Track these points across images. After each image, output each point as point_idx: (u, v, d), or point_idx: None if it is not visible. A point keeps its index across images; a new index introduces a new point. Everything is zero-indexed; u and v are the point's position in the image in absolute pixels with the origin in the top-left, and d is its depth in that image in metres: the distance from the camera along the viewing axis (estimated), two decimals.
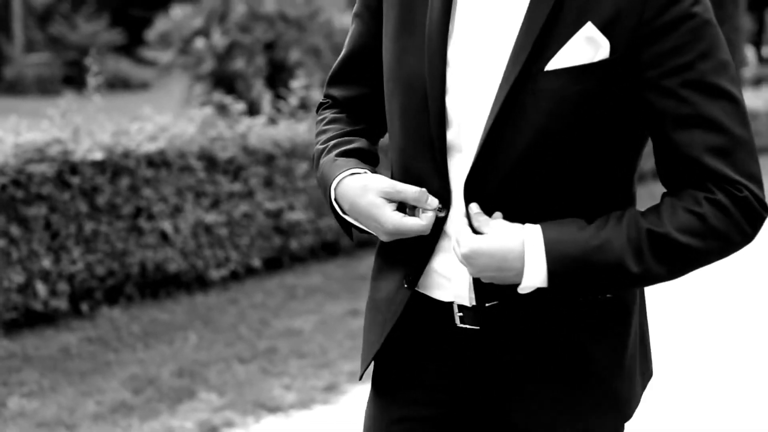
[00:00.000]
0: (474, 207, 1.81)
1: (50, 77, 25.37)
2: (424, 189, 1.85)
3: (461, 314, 1.92)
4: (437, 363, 1.98)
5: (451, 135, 1.84)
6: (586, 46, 1.72)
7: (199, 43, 14.86)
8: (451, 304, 1.93)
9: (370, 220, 1.87)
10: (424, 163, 1.88)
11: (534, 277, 1.75)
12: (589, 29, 1.71)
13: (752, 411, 5.07)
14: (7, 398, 5.05)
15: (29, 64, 25.43)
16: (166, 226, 6.82)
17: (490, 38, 1.80)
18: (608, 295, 1.88)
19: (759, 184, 1.75)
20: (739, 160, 1.73)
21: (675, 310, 6.96)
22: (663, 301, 6.86)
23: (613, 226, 1.75)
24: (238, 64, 14.50)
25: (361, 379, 2.10)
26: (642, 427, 4.58)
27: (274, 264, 7.92)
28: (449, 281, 1.92)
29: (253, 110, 11.90)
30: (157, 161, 6.77)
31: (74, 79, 26.16)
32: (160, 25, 17.67)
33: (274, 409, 5.03)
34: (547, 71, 1.73)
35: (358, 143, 2.03)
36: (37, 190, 6.03)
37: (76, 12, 27.55)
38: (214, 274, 7.27)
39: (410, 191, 1.84)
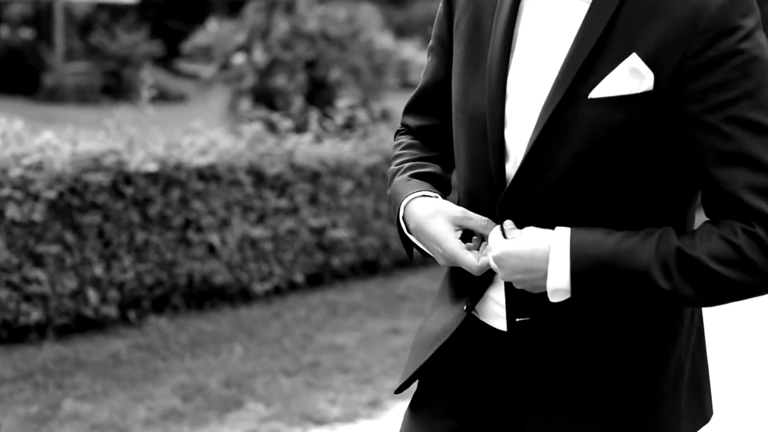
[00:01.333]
0: (508, 223, 1.84)
1: (89, 86, 25.58)
2: (490, 219, 1.90)
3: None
4: (475, 384, 2.01)
5: (509, 168, 1.87)
6: (630, 76, 1.73)
7: (239, 58, 15.03)
8: (503, 332, 1.96)
9: (433, 243, 1.92)
10: (486, 195, 1.91)
11: (558, 277, 1.77)
12: (633, 60, 1.72)
13: None
14: (61, 400, 5.19)
15: (69, 73, 25.66)
16: (214, 238, 6.96)
17: (545, 70, 1.82)
18: (638, 311, 1.86)
19: None
20: None
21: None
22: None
23: (644, 237, 1.75)
24: (279, 80, 14.67)
25: (397, 392, 2.12)
26: None
27: (316, 280, 8.04)
28: (503, 309, 1.95)
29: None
30: (207, 175, 6.91)
31: (112, 89, 26.45)
32: (199, 38, 17.88)
33: (320, 421, 5.14)
34: (590, 99, 1.75)
35: (432, 168, 2.09)
36: (93, 199, 6.18)
37: (116, 22, 27.82)
38: (258, 287, 7.40)
39: (478, 220, 1.90)
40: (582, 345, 1.87)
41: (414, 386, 2.15)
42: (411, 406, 2.13)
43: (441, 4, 2.06)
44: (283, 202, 7.51)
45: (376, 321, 7.11)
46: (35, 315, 5.98)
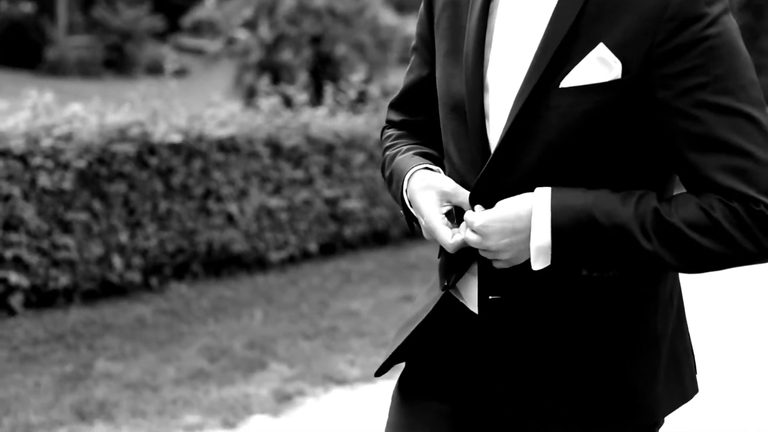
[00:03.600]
0: (478, 208, 1.85)
1: (91, 60, 25.78)
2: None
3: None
4: (458, 366, 2.03)
5: None
6: (599, 66, 1.74)
7: (241, 34, 15.21)
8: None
9: (419, 215, 1.95)
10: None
11: (541, 233, 1.77)
12: (600, 50, 1.74)
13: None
14: (93, 361, 5.43)
15: (71, 47, 25.83)
16: (233, 208, 7.19)
17: (520, 61, 1.84)
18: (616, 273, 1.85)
19: None
20: (756, 178, 1.71)
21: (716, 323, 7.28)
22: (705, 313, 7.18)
23: (623, 196, 1.77)
24: (286, 55, 14.86)
25: (377, 375, 2.11)
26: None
27: (329, 249, 8.27)
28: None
29: (289, 102, 12.29)
30: (227, 146, 7.14)
31: (114, 63, 26.62)
32: (198, 13, 18.03)
33: (341, 381, 5.38)
34: (561, 88, 1.76)
35: (431, 151, 2.13)
36: (119, 169, 6.40)
37: None
38: (274, 256, 7.63)
39: (464, 196, 1.89)
40: (553, 327, 1.88)
41: (401, 366, 2.15)
42: (399, 388, 2.12)
43: (422, 4, 2.09)
44: (299, 174, 7.74)
45: (389, 288, 7.34)
46: (63, 280, 6.21)
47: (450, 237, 1.87)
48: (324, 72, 15.00)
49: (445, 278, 2.01)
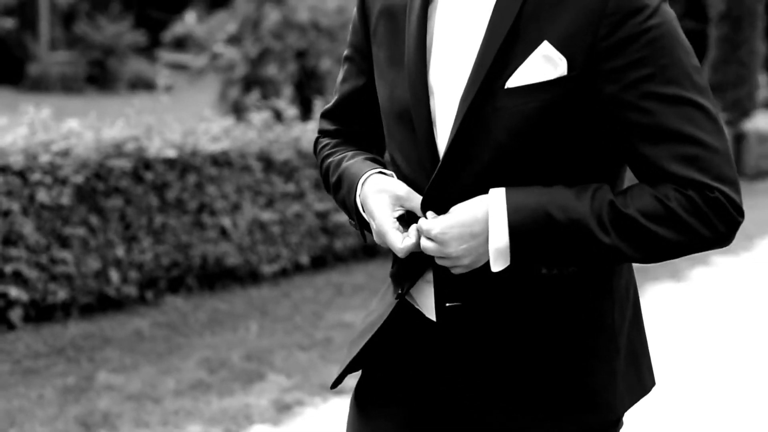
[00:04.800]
0: (430, 214, 1.84)
1: (74, 76, 25.85)
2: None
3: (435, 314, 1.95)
4: (417, 373, 2.02)
5: None
6: (544, 63, 1.74)
7: (219, 47, 15.28)
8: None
9: (371, 218, 1.91)
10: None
11: (498, 234, 1.76)
12: (545, 48, 1.74)
13: (752, 415, 5.51)
14: (94, 373, 5.51)
15: (53, 63, 25.89)
16: (226, 221, 7.28)
17: (462, 64, 1.83)
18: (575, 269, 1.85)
19: (733, 186, 1.75)
20: (708, 165, 1.72)
21: (678, 320, 7.41)
22: (665, 310, 7.31)
23: (578, 191, 1.77)
24: (270, 70, 14.95)
25: (333, 387, 2.10)
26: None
27: (320, 262, 8.38)
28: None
29: (280, 115, 12.41)
30: (221, 161, 7.23)
31: (97, 79, 26.68)
32: (177, 29, 18.11)
33: (338, 391, 5.47)
34: (507, 88, 1.76)
35: (377, 156, 2.10)
36: (115, 184, 6.49)
37: (100, 12, 28.01)
38: (267, 269, 7.73)
39: (417, 201, 1.87)
40: (512, 330, 1.88)
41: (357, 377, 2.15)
42: (356, 398, 2.12)
43: (355, 13, 2.07)
44: (290, 187, 7.84)
45: None
46: (61, 294, 6.29)
47: (400, 242, 1.84)
48: (309, 86, 15.09)
49: (398, 286, 1.99)
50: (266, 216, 7.63)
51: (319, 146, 2.20)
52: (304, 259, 8.09)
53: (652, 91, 1.71)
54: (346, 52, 2.11)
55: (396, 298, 1.97)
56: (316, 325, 6.73)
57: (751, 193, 15.57)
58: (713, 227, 1.73)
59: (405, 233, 1.85)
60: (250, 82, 15.39)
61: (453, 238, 1.78)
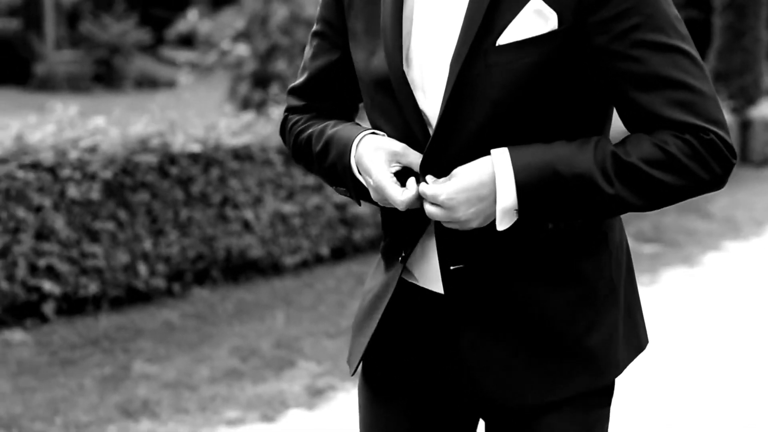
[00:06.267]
0: (430, 178, 1.85)
1: (80, 75, 25.91)
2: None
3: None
4: (421, 350, 2.03)
5: (432, 129, 1.89)
6: (535, 18, 1.76)
7: (231, 45, 15.39)
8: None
9: (367, 175, 1.90)
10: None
11: (506, 194, 1.78)
12: (536, 3, 1.76)
13: (750, 410, 5.64)
14: (130, 363, 5.65)
15: (60, 62, 25.97)
16: (249, 215, 7.42)
17: (447, 28, 1.85)
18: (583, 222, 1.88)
19: (724, 128, 1.79)
20: (701, 109, 1.77)
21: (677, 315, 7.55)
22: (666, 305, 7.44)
23: (580, 144, 1.80)
24: (279, 66, 15.07)
25: (353, 374, 2.09)
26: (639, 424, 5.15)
27: (339, 253, 8.52)
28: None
29: None
30: (242, 155, 7.37)
31: (103, 77, 26.77)
32: (180, 26, 18.22)
33: None
34: (499, 46, 1.78)
35: (358, 123, 2.08)
36: (142, 179, 6.63)
37: (104, 11, 28.12)
38: (288, 260, 7.87)
39: (415, 156, 1.88)
40: (516, 290, 1.90)
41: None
42: (365, 383, 2.12)
43: None
44: (310, 180, 7.98)
45: None
46: (92, 287, 6.42)
47: (400, 194, 1.84)
48: None
49: (397, 254, 1.99)
50: (287, 208, 7.77)
51: (290, 123, 2.17)
52: (324, 251, 8.23)
53: (641, 39, 1.75)
54: (315, 28, 2.09)
55: (401, 261, 1.97)
56: (341, 313, 6.87)
57: (757, 180, 15.68)
58: (710, 169, 1.78)
59: (404, 187, 1.86)
60: (259, 78, 15.52)
61: (460, 203, 1.79)
